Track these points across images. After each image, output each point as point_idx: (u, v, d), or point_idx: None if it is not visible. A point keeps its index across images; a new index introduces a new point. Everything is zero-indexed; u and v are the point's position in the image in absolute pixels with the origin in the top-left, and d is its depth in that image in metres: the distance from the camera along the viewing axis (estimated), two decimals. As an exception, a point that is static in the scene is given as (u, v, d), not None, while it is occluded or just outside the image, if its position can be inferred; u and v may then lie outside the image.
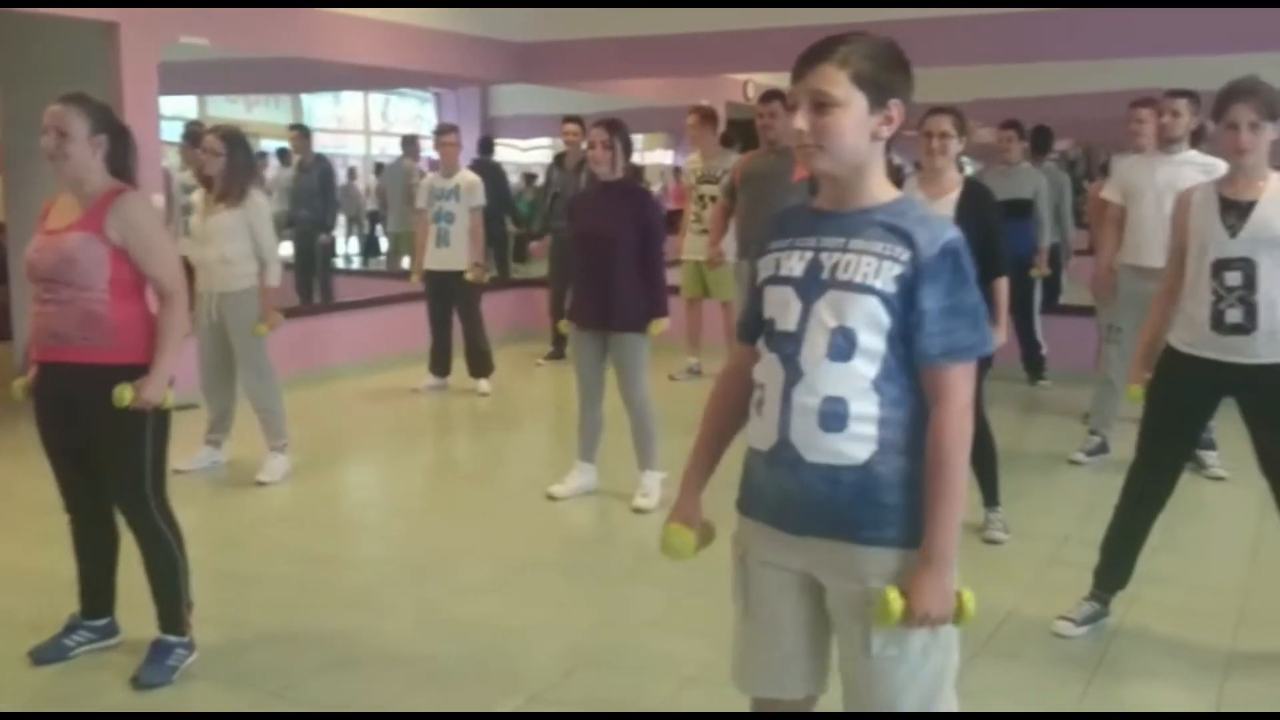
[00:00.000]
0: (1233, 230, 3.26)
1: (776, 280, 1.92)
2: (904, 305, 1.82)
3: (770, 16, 7.67)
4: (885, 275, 1.82)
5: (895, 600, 1.81)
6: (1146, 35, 7.56)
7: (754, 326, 2.00)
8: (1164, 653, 3.50)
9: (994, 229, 4.20)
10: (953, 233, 1.85)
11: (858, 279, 1.83)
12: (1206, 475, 5.26)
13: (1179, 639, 3.59)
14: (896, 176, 6.57)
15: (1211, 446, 5.27)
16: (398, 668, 3.38)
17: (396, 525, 4.95)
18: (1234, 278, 3.25)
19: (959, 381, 1.84)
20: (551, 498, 5.03)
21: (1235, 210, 3.27)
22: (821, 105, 1.82)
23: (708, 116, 7.56)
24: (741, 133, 8.73)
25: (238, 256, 5.21)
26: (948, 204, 4.17)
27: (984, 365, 5.13)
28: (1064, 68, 8.81)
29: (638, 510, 4.85)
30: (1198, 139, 5.26)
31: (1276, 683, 3.30)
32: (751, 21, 8.16)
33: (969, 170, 8.26)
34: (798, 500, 1.88)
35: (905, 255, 1.82)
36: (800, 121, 1.84)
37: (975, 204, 4.19)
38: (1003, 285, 4.26)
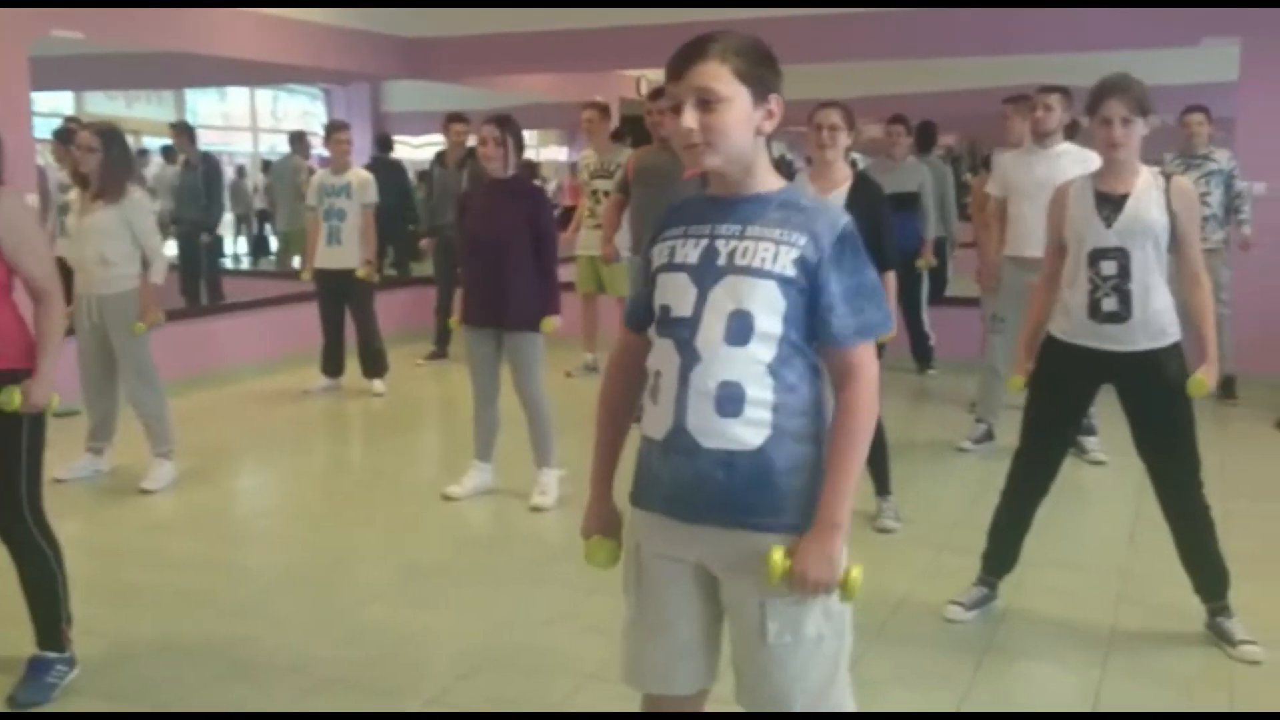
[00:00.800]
0: (1108, 221, 3.38)
1: (671, 267, 1.92)
2: (801, 289, 1.85)
3: (663, 13, 7.70)
4: (784, 259, 1.85)
5: (779, 561, 1.83)
6: (1027, 33, 7.77)
7: (643, 316, 2.00)
8: (1050, 633, 3.61)
9: (883, 223, 4.29)
10: (846, 217, 1.91)
11: (756, 264, 1.85)
12: (1087, 460, 5.44)
13: (1064, 619, 3.70)
14: (787, 171, 6.64)
15: (1092, 432, 5.45)
16: (291, 676, 3.31)
17: (288, 531, 4.85)
18: (1109, 267, 3.37)
19: (868, 359, 1.90)
20: (448, 498, 4.97)
21: (1109, 203, 3.39)
22: (707, 102, 1.83)
23: (604, 112, 7.57)
24: (634, 129, 8.74)
25: (118, 257, 5.04)
26: (839, 197, 4.24)
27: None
28: (948, 64, 9.00)
29: (536, 509, 4.83)
30: (1072, 133, 5.43)
31: (1155, 659, 3.42)
32: (644, 18, 8.18)
33: (860, 165, 8.40)
34: (693, 487, 1.89)
35: (803, 240, 1.85)
36: (689, 120, 1.83)
37: (865, 198, 4.26)
38: (890, 278, 4.33)
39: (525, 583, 4.08)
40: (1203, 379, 3.35)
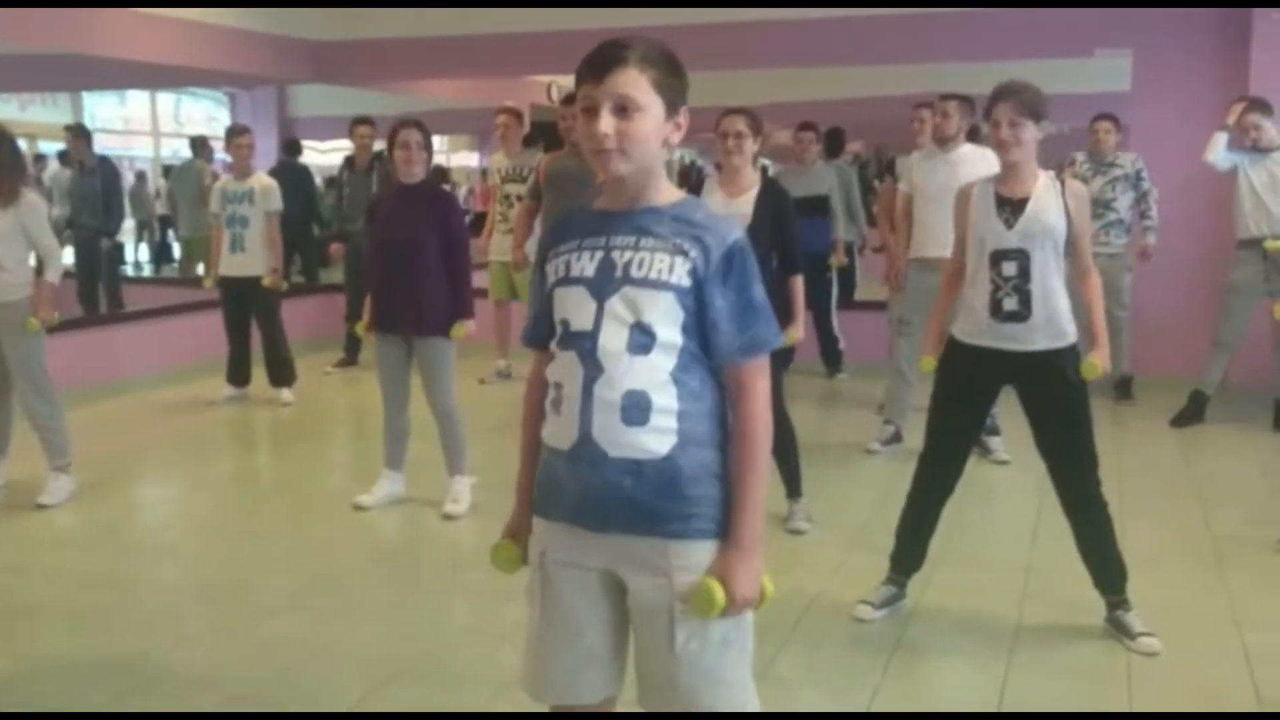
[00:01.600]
0: (1008, 223, 3.47)
1: (568, 281, 1.92)
2: (697, 300, 1.86)
3: (573, 18, 7.71)
4: (679, 270, 1.86)
5: (718, 590, 1.84)
6: (930, 42, 7.94)
7: (545, 332, 1.99)
8: (957, 630, 3.68)
9: (790, 227, 4.39)
10: (738, 233, 1.90)
11: (653, 275, 1.86)
12: (991, 460, 5.56)
13: (970, 616, 3.78)
14: (696, 178, 6.69)
15: (995, 432, 5.58)
16: (200, 691, 3.23)
17: (194, 544, 4.74)
18: (1010, 268, 3.47)
19: (758, 375, 1.91)
20: (358, 508, 4.91)
21: (1009, 206, 3.49)
22: (625, 109, 1.82)
23: (518, 117, 7.56)
24: (546, 135, 8.74)
25: (12, 262, 4.89)
26: (747, 201, 4.32)
27: (785, 360, 5.29)
28: (855, 72, 9.16)
29: (448, 517, 4.79)
30: (974, 139, 5.57)
31: (1058, 653, 3.51)
32: (554, 23, 8.18)
33: (770, 171, 8.50)
34: (599, 496, 1.89)
35: (695, 252, 1.86)
36: (605, 125, 1.82)
37: (772, 202, 4.35)
38: (799, 282, 4.46)
39: (438, 592, 4.05)
40: (1095, 362, 3.49)
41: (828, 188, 7.36)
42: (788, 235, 4.37)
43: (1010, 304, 3.47)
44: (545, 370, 2.00)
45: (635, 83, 1.82)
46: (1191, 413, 6.40)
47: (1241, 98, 6.19)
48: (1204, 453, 5.96)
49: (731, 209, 4.24)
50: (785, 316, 4.40)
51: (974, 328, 3.54)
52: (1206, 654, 3.49)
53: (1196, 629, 3.66)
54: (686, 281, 1.86)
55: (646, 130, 1.84)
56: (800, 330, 4.54)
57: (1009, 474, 5.45)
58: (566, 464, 1.92)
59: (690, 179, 7.83)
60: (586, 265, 1.90)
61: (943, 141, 5.47)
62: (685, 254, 1.86)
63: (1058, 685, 3.30)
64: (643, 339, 1.85)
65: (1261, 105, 6.03)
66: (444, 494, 4.88)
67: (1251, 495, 5.14)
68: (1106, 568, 3.61)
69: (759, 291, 1.89)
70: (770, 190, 4.41)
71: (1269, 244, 5.99)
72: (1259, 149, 6.03)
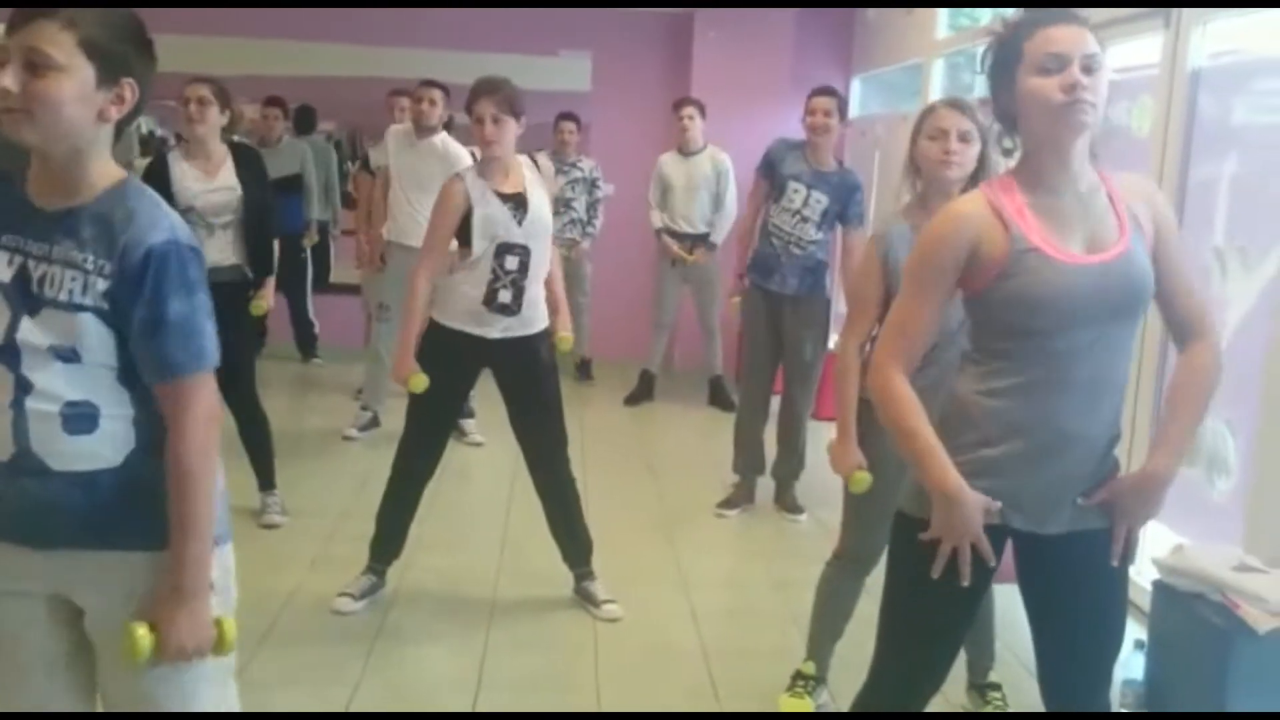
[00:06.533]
0: (519, 220, 3.53)
1: None
2: (121, 316, 1.66)
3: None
4: (94, 291, 1.64)
5: (144, 637, 1.66)
6: (413, 27, 7.93)
7: None
8: (437, 613, 3.73)
9: (268, 192, 4.40)
10: (162, 237, 1.66)
11: (64, 297, 1.64)
12: (467, 442, 5.70)
13: (449, 598, 3.85)
14: (158, 148, 6.18)
15: (470, 415, 5.72)
16: None
17: None
18: (513, 262, 3.54)
19: (189, 395, 1.69)
20: None
21: (513, 202, 3.53)
22: (36, 66, 1.59)
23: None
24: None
25: None
26: (228, 176, 4.21)
27: (257, 345, 5.03)
28: (330, 50, 8.95)
29: None
30: (448, 128, 5.65)
31: (531, 626, 3.68)
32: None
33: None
34: (46, 511, 1.68)
35: (109, 267, 1.65)
36: (8, 80, 1.59)
37: (249, 167, 4.29)
38: (273, 245, 4.49)
39: None
40: (565, 335, 3.73)
41: (299, 165, 7.16)
42: (267, 199, 4.36)
43: (505, 296, 3.55)
44: None
45: (53, 39, 1.60)
46: (642, 391, 6.98)
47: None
48: (654, 428, 6.53)
49: (216, 185, 4.16)
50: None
51: (458, 311, 3.58)
52: (661, 615, 3.82)
53: (652, 592, 3.99)
54: (105, 303, 1.65)
55: (61, 95, 1.60)
56: (270, 298, 4.41)
57: (483, 455, 5.61)
58: (4, 478, 1.68)
59: (152, 148, 7.24)
60: (3, 269, 1.66)
61: (425, 130, 5.46)
62: (99, 272, 1.64)
63: (533, 658, 3.46)
64: (71, 356, 1.65)
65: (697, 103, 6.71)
66: None
67: (693, 465, 5.69)
68: (574, 542, 3.83)
69: (176, 307, 1.65)
70: (244, 157, 4.32)
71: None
72: (686, 151, 6.68)
